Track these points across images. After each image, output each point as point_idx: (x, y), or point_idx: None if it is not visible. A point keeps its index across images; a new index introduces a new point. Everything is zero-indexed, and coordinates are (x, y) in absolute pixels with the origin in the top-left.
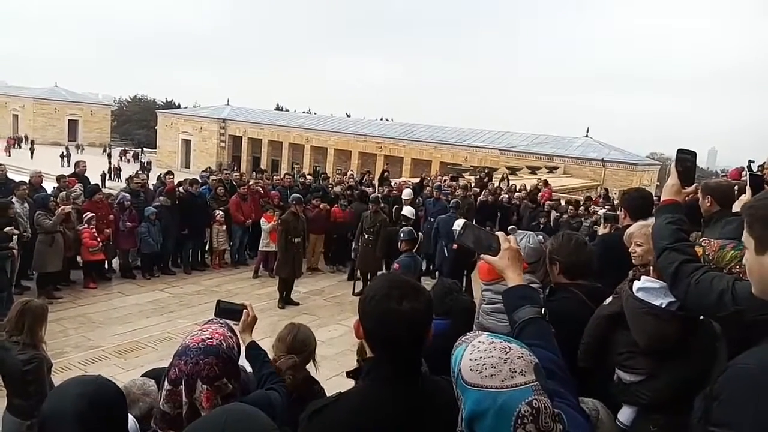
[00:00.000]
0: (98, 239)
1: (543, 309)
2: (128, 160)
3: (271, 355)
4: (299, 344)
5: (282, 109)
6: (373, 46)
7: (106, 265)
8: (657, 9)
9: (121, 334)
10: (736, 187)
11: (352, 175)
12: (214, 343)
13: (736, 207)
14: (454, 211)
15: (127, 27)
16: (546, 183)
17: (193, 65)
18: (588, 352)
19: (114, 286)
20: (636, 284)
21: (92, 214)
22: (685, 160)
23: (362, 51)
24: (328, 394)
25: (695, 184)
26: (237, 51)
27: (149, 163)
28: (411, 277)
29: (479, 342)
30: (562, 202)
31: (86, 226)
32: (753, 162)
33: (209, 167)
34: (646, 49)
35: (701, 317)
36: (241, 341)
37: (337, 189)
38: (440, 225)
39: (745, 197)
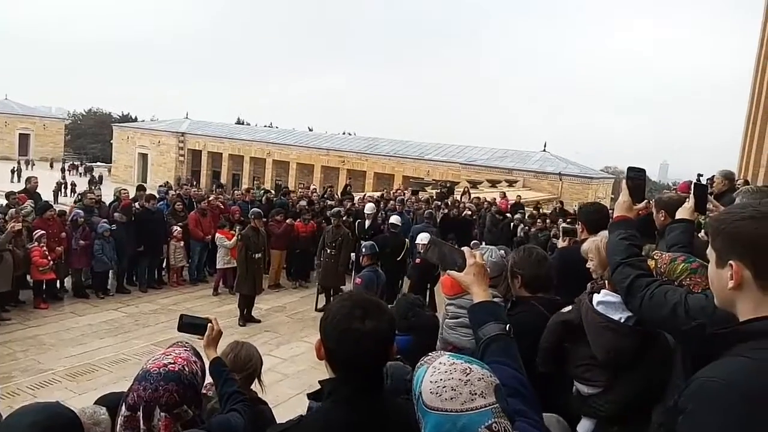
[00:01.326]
0: (49, 258)
1: (508, 326)
2: (80, 174)
3: None
4: (241, 362)
5: (243, 123)
6: (341, 60)
7: (58, 285)
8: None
9: (74, 356)
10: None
11: (315, 189)
12: (176, 369)
13: (680, 214)
14: (427, 221)
15: (83, 38)
16: (504, 195)
17: (152, 78)
18: (546, 358)
19: (66, 306)
20: (596, 297)
21: (43, 232)
22: (635, 177)
23: (328, 64)
24: (290, 411)
25: (645, 200)
26: (197, 64)
27: (101, 177)
28: (374, 291)
29: (440, 363)
30: (526, 216)
31: (36, 244)
32: (702, 175)
33: (167, 182)
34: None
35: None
36: (204, 358)
37: (302, 203)
38: (415, 234)
39: (687, 205)
